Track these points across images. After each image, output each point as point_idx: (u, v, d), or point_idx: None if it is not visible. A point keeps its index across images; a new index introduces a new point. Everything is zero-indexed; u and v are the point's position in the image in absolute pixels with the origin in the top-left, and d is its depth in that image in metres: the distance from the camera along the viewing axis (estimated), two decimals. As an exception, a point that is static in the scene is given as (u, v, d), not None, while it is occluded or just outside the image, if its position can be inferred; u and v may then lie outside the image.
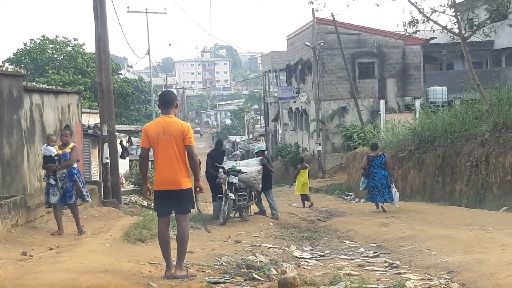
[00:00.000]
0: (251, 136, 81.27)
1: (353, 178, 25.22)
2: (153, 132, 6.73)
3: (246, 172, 13.70)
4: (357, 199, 22.36)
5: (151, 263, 7.56)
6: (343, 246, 10.21)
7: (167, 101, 6.95)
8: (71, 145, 10.89)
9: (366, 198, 16.96)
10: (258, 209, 14.89)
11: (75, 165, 10.91)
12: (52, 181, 10.64)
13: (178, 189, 6.75)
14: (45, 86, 21.68)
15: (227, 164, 14.61)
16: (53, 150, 10.67)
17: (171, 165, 6.72)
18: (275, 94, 48.14)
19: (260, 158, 14.61)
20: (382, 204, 15.72)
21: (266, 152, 16.59)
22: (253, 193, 14.24)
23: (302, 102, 39.82)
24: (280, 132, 50.44)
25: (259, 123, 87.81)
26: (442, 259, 7.68)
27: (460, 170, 15.91)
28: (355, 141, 32.31)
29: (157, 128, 6.75)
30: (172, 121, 6.80)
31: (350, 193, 24.28)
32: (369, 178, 15.76)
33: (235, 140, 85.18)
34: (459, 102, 19.85)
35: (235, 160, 14.99)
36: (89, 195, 11.42)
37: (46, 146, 10.86)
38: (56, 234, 10.51)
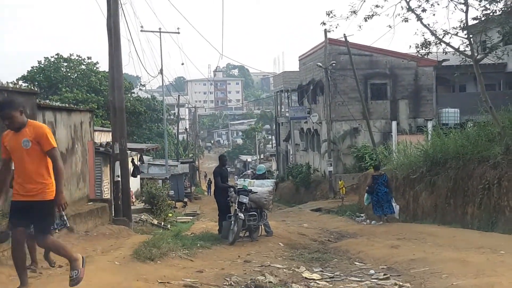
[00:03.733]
0: (262, 156, 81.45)
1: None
2: None
3: (256, 192, 13.70)
4: (368, 221, 22.22)
5: (160, 282, 7.55)
6: (353, 268, 10.15)
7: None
8: None
9: (372, 211, 19.35)
10: (266, 232, 14.72)
11: None
12: None
13: None
14: (58, 103, 21.84)
15: (239, 182, 14.53)
16: None
17: None
18: (287, 114, 48.23)
19: (274, 180, 14.77)
20: (385, 217, 18.45)
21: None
22: (263, 213, 14.24)
23: (313, 123, 39.85)
24: (291, 152, 50.43)
25: (271, 143, 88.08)
26: (453, 282, 7.60)
27: (472, 193, 15.77)
28: (367, 162, 32.17)
29: None
30: None
31: (361, 215, 24.10)
32: (373, 194, 18.55)
33: (246, 159, 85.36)
34: (471, 124, 19.72)
35: (249, 180, 14.77)
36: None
37: None
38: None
